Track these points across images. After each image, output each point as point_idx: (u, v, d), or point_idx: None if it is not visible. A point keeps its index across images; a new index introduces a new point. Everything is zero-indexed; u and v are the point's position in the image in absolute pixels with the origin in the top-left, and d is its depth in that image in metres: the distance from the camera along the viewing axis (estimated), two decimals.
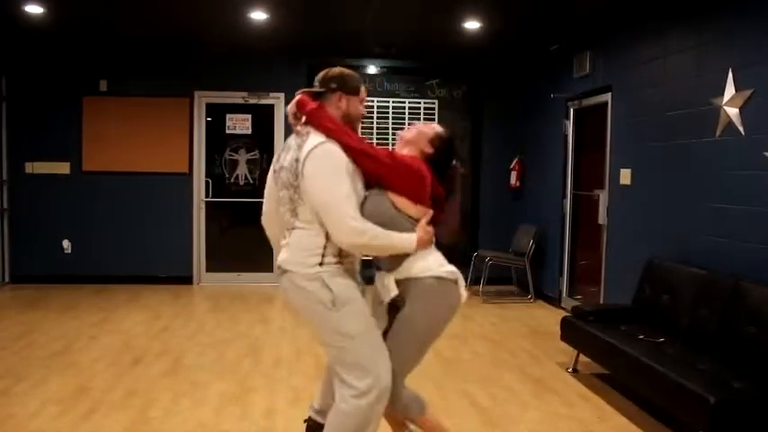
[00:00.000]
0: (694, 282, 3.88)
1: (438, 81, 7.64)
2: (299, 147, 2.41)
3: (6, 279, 7.20)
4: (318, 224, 2.38)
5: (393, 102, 7.57)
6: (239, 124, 7.48)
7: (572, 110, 6.32)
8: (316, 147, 2.36)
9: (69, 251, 7.26)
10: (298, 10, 5.52)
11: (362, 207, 2.42)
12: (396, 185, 2.45)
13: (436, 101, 7.65)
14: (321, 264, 2.40)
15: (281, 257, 2.50)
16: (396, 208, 2.45)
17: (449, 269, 2.52)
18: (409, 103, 7.61)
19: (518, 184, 7.45)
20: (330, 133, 2.40)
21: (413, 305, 2.49)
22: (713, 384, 2.97)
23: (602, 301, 5.52)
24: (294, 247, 2.45)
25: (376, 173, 2.44)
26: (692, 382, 3.00)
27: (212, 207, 7.50)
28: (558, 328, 4.48)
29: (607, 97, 5.55)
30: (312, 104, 2.47)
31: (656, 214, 4.75)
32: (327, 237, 2.39)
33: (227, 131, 7.49)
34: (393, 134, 7.56)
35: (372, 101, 7.51)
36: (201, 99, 7.39)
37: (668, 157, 4.61)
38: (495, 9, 5.47)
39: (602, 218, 5.57)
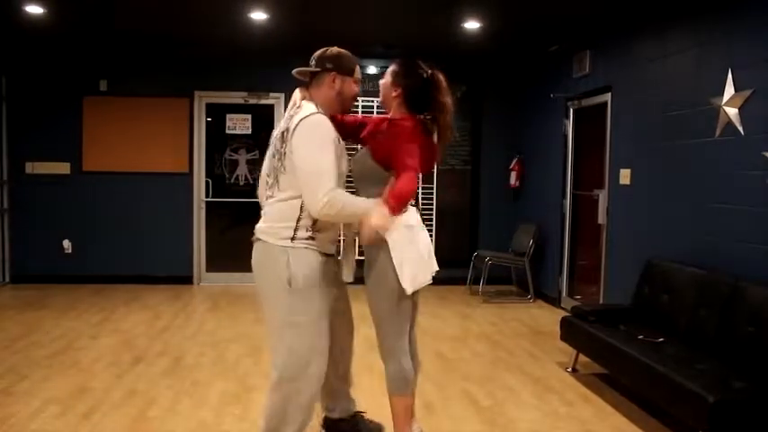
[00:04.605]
0: (694, 282, 3.88)
1: None
2: (291, 117, 2.44)
3: (7, 279, 7.20)
4: (296, 195, 2.40)
5: None
6: (239, 124, 7.49)
7: (572, 110, 6.32)
8: (307, 116, 2.39)
9: (70, 251, 7.27)
10: (298, 10, 5.52)
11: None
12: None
13: None
14: (293, 238, 2.41)
15: (258, 225, 2.52)
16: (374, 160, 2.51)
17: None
18: None
19: (518, 183, 7.45)
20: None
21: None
22: (712, 384, 2.98)
23: (601, 301, 5.52)
24: (269, 217, 2.48)
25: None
26: (691, 382, 3.00)
27: (212, 207, 7.51)
28: (557, 328, 4.48)
29: (607, 97, 5.55)
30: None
31: (655, 214, 4.76)
32: (302, 209, 2.41)
33: (227, 131, 7.50)
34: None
35: (372, 101, 7.51)
36: (201, 99, 7.40)
37: (668, 157, 4.62)
38: (495, 9, 5.47)
39: (602, 218, 5.58)
